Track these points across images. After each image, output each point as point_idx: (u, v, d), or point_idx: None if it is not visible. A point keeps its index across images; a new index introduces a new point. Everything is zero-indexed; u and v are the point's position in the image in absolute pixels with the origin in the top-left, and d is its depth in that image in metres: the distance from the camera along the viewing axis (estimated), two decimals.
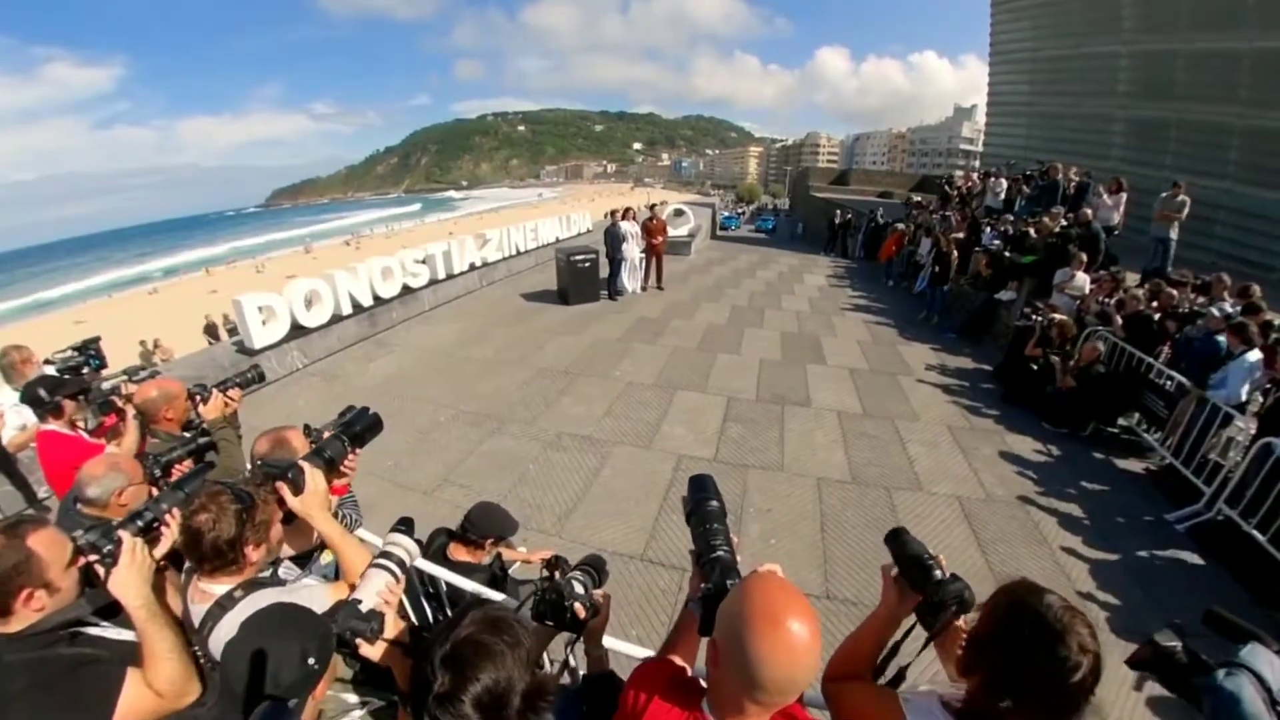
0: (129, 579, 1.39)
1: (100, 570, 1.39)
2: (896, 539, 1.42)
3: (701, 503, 1.45)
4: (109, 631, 1.46)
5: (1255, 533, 4.05)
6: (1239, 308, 6.04)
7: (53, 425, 3.04)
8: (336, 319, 7.90)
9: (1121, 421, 6.13)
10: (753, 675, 0.93)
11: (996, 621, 1.10)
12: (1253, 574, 3.92)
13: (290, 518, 1.68)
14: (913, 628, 1.35)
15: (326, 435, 2.12)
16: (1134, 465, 5.59)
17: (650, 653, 1.91)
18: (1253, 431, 4.61)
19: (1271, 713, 1.09)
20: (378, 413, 1.96)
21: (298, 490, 1.61)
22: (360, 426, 1.89)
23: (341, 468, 1.85)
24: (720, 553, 1.32)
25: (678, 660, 1.33)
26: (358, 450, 1.92)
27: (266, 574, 1.66)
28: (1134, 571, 4.04)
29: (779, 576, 1.09)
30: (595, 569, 1.57)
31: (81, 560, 1.40)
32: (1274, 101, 15.36)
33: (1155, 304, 6.87)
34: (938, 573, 1.28)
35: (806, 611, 0.96)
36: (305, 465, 1.64)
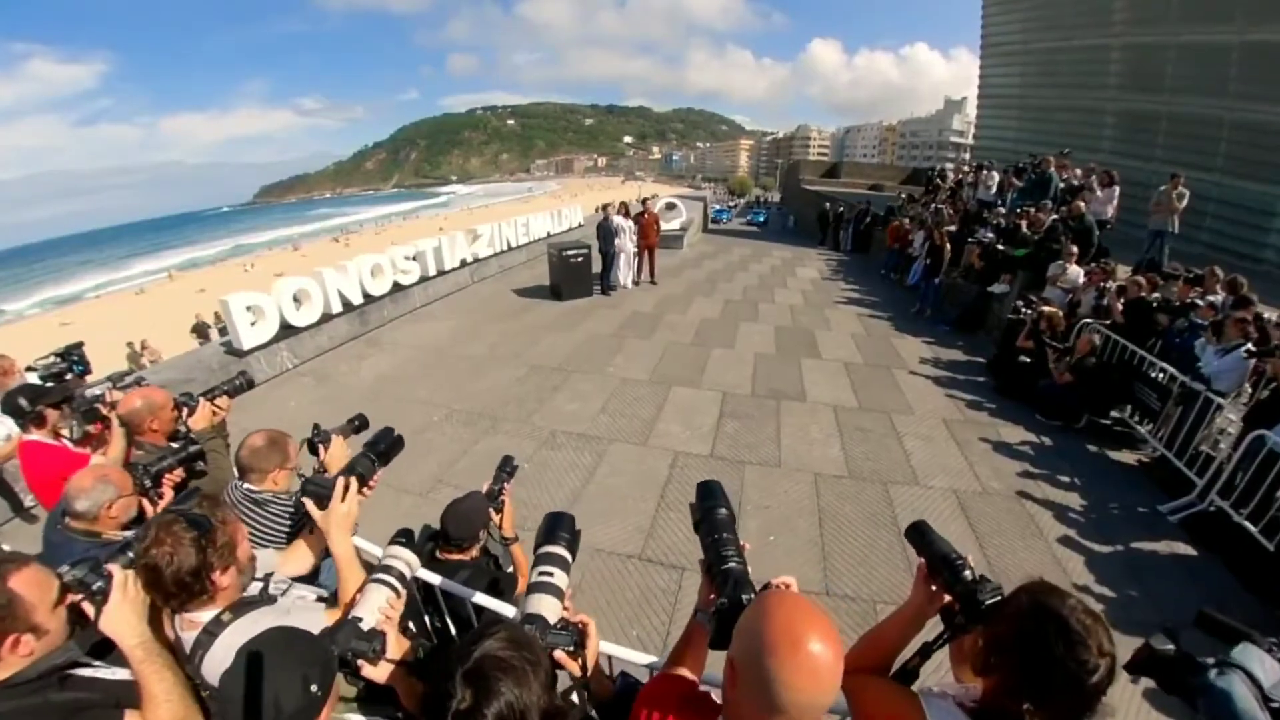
0: (122, 616, 1.31)
1: (90, 608, 1.31)
2: (921, 535, 1.39)
3: (711, 511, 1.41)
4: (101, 671, 1.37)
5: (1246, 523, 4.07)
6: (1229, 300, 6.06)
7: (35, 435, 2.98)
8: (326, 318, 7.81)
9: (1114, 414, 6.13)
10: (774, 699, 0.90)
11: (1019, 623, 1.10)
12: (1244, 564, 3.96)
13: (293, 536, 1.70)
14: (944, 632, 1.31)
15: (334, 438, 2.17)
16: (1127, 457, 5.62)
17: (652, 658, 1.88)
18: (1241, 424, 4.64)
19: (1264, 709, 1.12)
20: (400, 434, 2.02)
21: (326, 505, 1.63)
22: (385, 445, 1.93)
23: (370, 485, 1.87)
24: (732, 564, 1.28)
25: (687, 674, 1.29)
26: (381, 468, 1.95)
27: (255, 592, 1.59)
28: (1128, 563, 4.07)
29: (797, 595, 1.06)
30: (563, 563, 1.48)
31: (69, 599, 1.31)
32: (1263, 94, 15.46)
33: (1156, 293, 6.87)
34: (968, 573, 1.25)
35: (828, 632, 0.92)
36: (341, 482, 1.66)
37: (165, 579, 1.36)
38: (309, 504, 1.63)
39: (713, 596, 1.26)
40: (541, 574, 1.36)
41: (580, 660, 1.23)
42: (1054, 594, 1.10)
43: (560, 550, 1.42)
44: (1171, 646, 1.34)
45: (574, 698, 1.24)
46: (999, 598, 1.19)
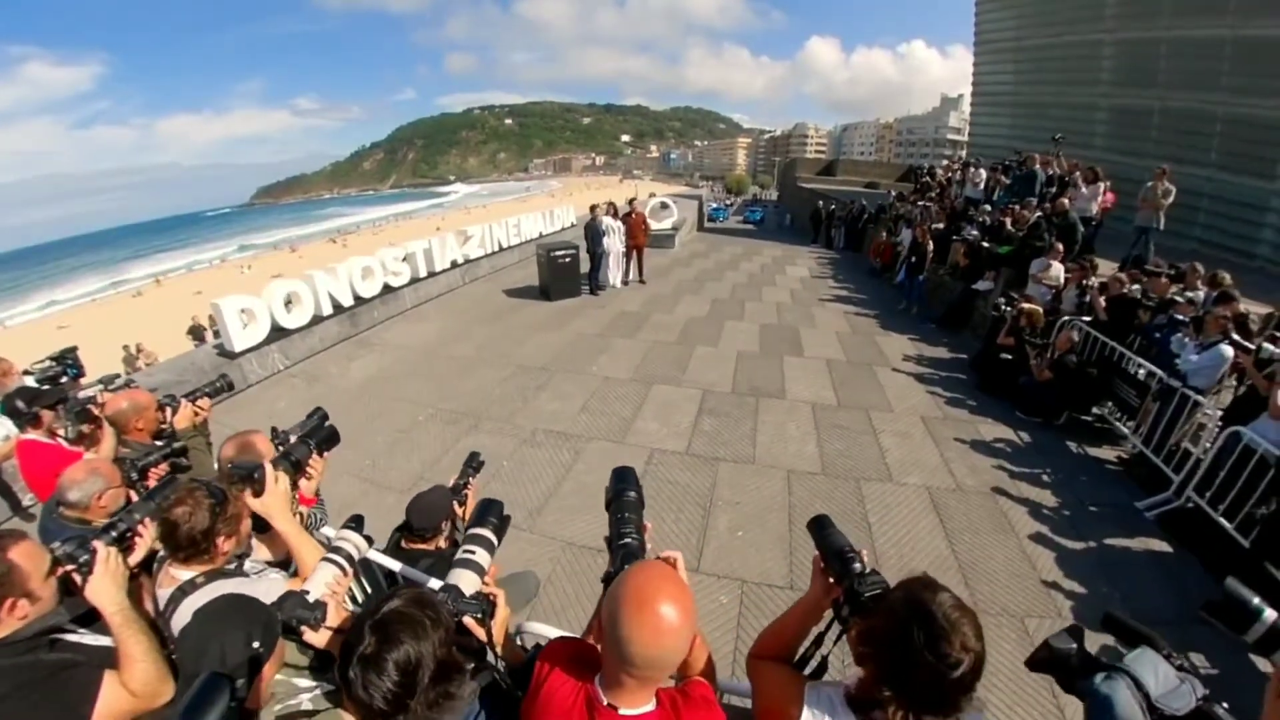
0: (104, 586, 1.49)
1: (77, 579, 1.49)
2: (820, 529, 1.44)
3: (621, 494, 1.57)
4: (86, 638, 1.55)
5: (1222, 520, 4.07)
6: (1212, 296, 6.04)
7: (32, 435, 3.11)
8: (317, 320, 7.91)
9: (1095, 410, 6.14)
10: (623, 652, 1.03)
11: (889, 615, 1.12)
12: (1219, 561, 3.93)
13: (266, 526, 1.83)
14: (833, 620, 1.36)
15: (293, 440, 2.25)
16: (1107, 453, 5.60)
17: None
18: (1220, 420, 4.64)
19: (1147, 716, 1.13)
20: (334, 426, 2.19)
21: (260, 491, 1.76)
22: (317, 439, 2.07)
23: (307, 471, 2.01)
24: (627, 540, 1.43)
25: (592, 638, 1.41)
26: (322, 455, 2.09)
27: (231, 565, 1.77)
28: (1101, 560, 4.04)
29: (660, 564, 1.19)
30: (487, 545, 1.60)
31: (60, 570, 1.49)
32: (1256, 89, 15.39)
33: (1139, 287, 6.87)
34: (857, 566, 1.30)
35: (677, 597, 1.05)
36: (268, 467, 1.79)
37: (180, 534, 1.59)
38: (248, 492, 1.76)
39: (610, 569, 1.40)
40: (465, 551, 1.49)
41: (486, 628, 1.35)
42: (928, 589, 1.11)
43: (486, 533, 1.55)
44: (1074, 646, 1.35)
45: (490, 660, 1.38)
46: (879, 590, 1.23)
